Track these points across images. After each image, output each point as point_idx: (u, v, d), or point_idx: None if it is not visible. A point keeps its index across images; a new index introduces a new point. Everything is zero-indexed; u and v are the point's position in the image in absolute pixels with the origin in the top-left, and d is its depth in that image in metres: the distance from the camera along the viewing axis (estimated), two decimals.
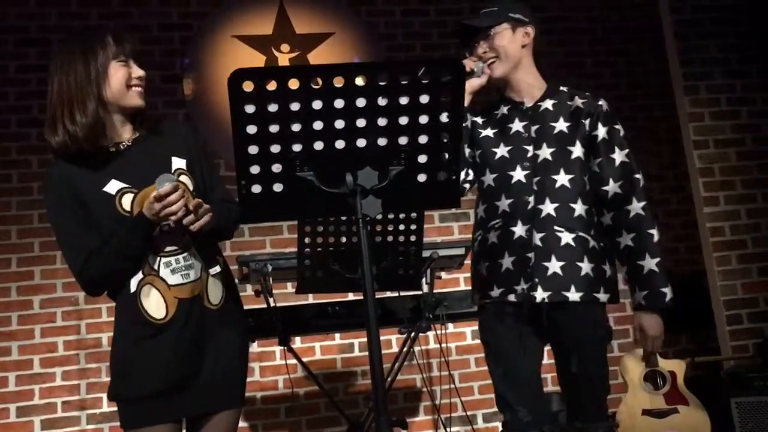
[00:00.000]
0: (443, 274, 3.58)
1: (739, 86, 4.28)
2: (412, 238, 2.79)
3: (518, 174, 2.17)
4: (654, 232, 2.16)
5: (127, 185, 1.92)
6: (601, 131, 2.19)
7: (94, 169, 1.92)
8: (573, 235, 2.13)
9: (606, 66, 4.86)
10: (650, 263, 2.14)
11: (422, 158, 1.62)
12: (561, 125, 2.19)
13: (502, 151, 2.20)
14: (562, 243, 2.12)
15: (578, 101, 2.22)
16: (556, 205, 2.14)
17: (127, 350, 1.93)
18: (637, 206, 2.17)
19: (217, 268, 2.01)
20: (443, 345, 3.45)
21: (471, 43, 2.25)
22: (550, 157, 2.17)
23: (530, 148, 2.18)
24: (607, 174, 2.18)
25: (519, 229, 2.14)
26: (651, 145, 4.78)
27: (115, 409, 1.97)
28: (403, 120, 1.57)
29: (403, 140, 1.59)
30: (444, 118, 1.59)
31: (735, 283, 4.03)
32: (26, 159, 4.10)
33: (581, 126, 2.19)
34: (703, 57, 4.26)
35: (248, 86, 1.47)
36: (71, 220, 1.92)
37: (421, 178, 1.64)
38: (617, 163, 2.19)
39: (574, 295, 2.12)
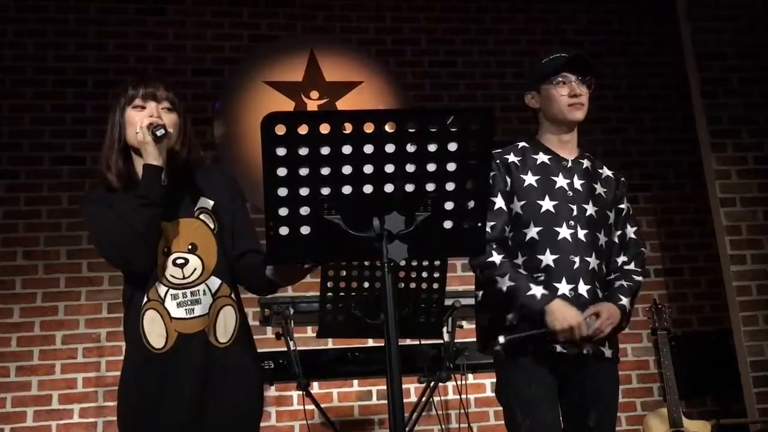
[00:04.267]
0: (464, 324, 3.55)
1: (767, 144, 4.27)
2: (435, 285, 2.79)
3: (564, 232, 2.17)
4: (638, 277, 2.27)
5: None
6: (625, 205, 2.33)
7: (129, 203, 1.95)
8: (603, 293, 2.21)
9: (631, 122, 4.87)
10: (621, 282, 2.23)
11: (449, 205, 1.63)
12: (600, 188, 2.27)
13: (547, 204, 2.19)
14: (600, 297, 2.19)
15: (606, 171, 2.34)
16: (598, 261, 2.19)
17: (130, 384, 1.95)
18: (631, 265, 2.29)
19: (229, 308, 2.00)
20: (463, 396, 3.40)
21: (566, 76, 2.23)
22: (595, 216, 2.22)
23: (574, 207, 2.20)
24: (621, 248, 2.29)
25: (563, 287, 2.14)
26: (677, 201, 4.76)
27: None
28: (431, 167, 1.59)
29: (430, 187, 1.60)
30: (471, 166, 1.60)
31: (762, 344, 3.95)
32: (57, 196, 4.17)
33: (613, 195, 2.29)
34: (730, 115, 4.27)
35: (280, 129, 1.50)
36: (106, 214, 1.96)
37: (447, 224, 1.65)
38: (628, 238, 2.31)
39: (607, 351, 2.19)
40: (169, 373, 1.90)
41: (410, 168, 1.58)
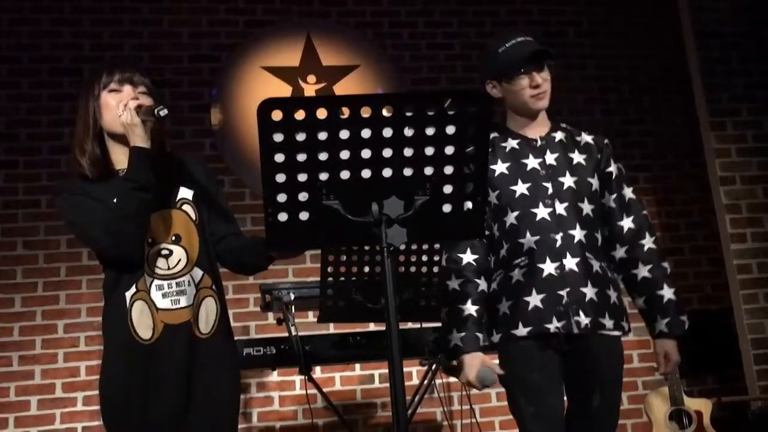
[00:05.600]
0: None
1: (767, 123, 4.26)
2: (435, 269, 2.79)
3: (542, 212, 2.15)
4: (666, 264, 2.26)
5: None
6: (613, 167, 2.27)
7: (106, 191, 1.94)
8: (599, 263, 2.17)
9: (630, 102, 4.86)
10: (668, 292, 2.22)
11: (447, 189, 1.63)
12: (577, 157, 2.23)
13: (521, 188, 2.17)
14: (594, 270, 2.14)
15: (586, 137, 2.29)
16: (585, 232, 2.15)
17: (116, 374, 1.94)
18: (649, 240, 2.24)
19: (210, 299, 2.00)
20: None
21: (527, 68, 2.18)
22: (574, 186, 2.18)
23: (549, 185, 2.17)
24: (621, 210, 2.25)
25: (548, 267, 2.12)
26: (676, 180, 4.75)
27: None
28: (429, 150, 1.59)
29: (428, 170, 1.60)
30: (470, 149, 1.60)
31: (762, 322, 3.97)
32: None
33: (595, 160, 2.24)
34: (729, 93, 4.25)
35: (277, 115, 1.50)
36: (86, 202, 1.92)
37: (446, 208, 1.65)
38: (627, 199, 2.27)
39: (608, 322, 2.14)
40: (155, 364, 1.91)
41: (408, 152, 1.58)
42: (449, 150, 1.59)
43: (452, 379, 4.05)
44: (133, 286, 1.93)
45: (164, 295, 1.93)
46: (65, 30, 4.38)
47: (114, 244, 1.89)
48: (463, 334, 2.11)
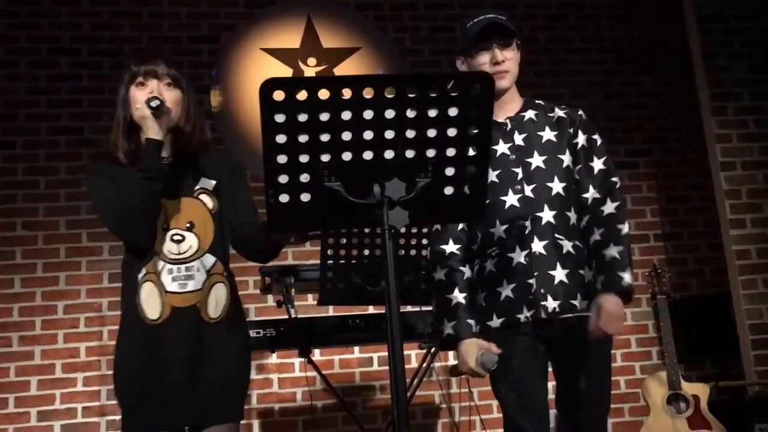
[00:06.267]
0: None
1: None
2: None
3: (511, 198, 2.12)
4: (623, 227, 2.12)
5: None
6: (581, 139, 2.19)
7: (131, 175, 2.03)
8: (571, 244, 2.12)
9: (632, 86, 4.84)
10: (613, 251, 2.08)
11: (449, 171, 1.62)
12: (548, 134, 2.18)
13: (490, 176, 2.10)
14: (564, 251, 2.10)
15: (559, 112, 2.22)
16: (554, 212, 2.11)
17: (125, 351, 2.04)
18: (610, 206, 2.14)
19: (221, 285, 2.08)
20: None
21: (486, 44, 2.13)
22: (543, 165, 2.14)
23: (518, 170, 2.13)
24: (587, 182, 2.16)
25: (517, 256, 2.09)
26: (677, 165, 4.75)
27: None
28: (431, 132, 1.57)
29: (430, 153, 1.59)
30: (472, 131, 1.59)
31: (761, 307, 3.98)
32: (55, 166, 4.16)
33: (567, 134, 2.18)
34: (731, 78, 4.24)
35: (279, 95, 1.48)
36: (108, 186, 2.02)
37: (448, 191, 1.64)
38: (596, 170, 2.17)
39: (582, 304, 2.09)
40: (161, 343, 1.99)
41: (410, 134, 1.57)
42: (452, 132, 1.58)
43: (451, 362, 4.06)
44: (144, 268, 2.03)
45: (173, 279, 2.02)
46: (64, 9, 4.35)
47: (123, 228, 2.01)
48: (454, 322, 2.09)
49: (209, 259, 2.07)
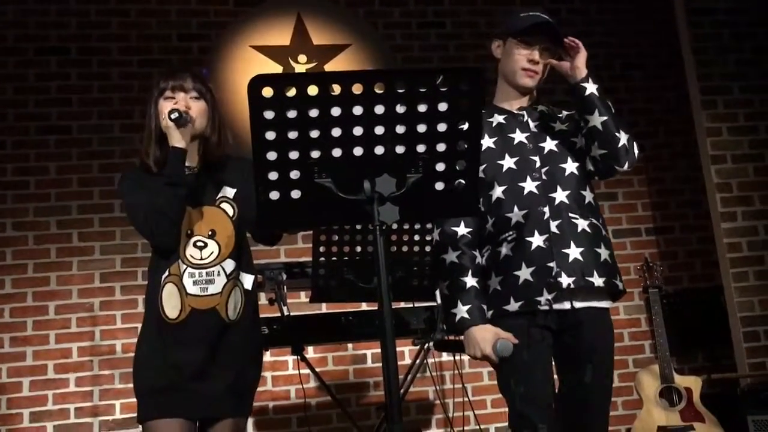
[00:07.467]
0: None
1: (758, 101, 4.27)
2: (428, 248, 2.79)
3: (529, 185, 2.14)
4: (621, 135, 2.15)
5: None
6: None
7: (161, 184, 2.15)
8: (587, 222, 2.14)
9: (621, 80, 4.85)
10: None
11: (440, 166, 1.62)
12: (559, 125, 2.25)
13: (508, 162, 2.17)
14: (579, 229, 2.12)
15: (566, 112, 2.29)
16: (567, 192, 2.14)
17: (146, 346, 2.17)
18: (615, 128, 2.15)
19: (239, 289, 2.20)
20: (456, 357, 3.42)
21: (530, 39, 2.20)
22: (555, 148, 2.19)
23: (536, 158, 2.18)
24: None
25: (536, 240, 2.11)
26: (667, 159, 4.76)
27: (128, 415, 2.04)
28: (422, 128, 1.57)
29: (421, 148, 1.59)
30: (462, 125, 1.59)
31: (752, 300, 4.00)
32: (44, 166, 4.14)
33: (576, 123, 2.22)
34: (721, 72, 4.25)
35: (268, 92, 1.48)
36: (138, 192, 2.16)
37: (439, 186, 1.64)
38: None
39: (598, 281, 2.10)
40: (180, 340, 2.12)
41: (400, 129, 1.57)
42: (442, 127, 1.58)
43: (444, 358, 4.07)
44: (167, 270, 2.15)
45: (195, 282, 2.15)
46: (51, 8, 4.32)
47: (150, 232, 2.13)
48: (468, 306, 2.09)
49: (230, 264, 2.19)
